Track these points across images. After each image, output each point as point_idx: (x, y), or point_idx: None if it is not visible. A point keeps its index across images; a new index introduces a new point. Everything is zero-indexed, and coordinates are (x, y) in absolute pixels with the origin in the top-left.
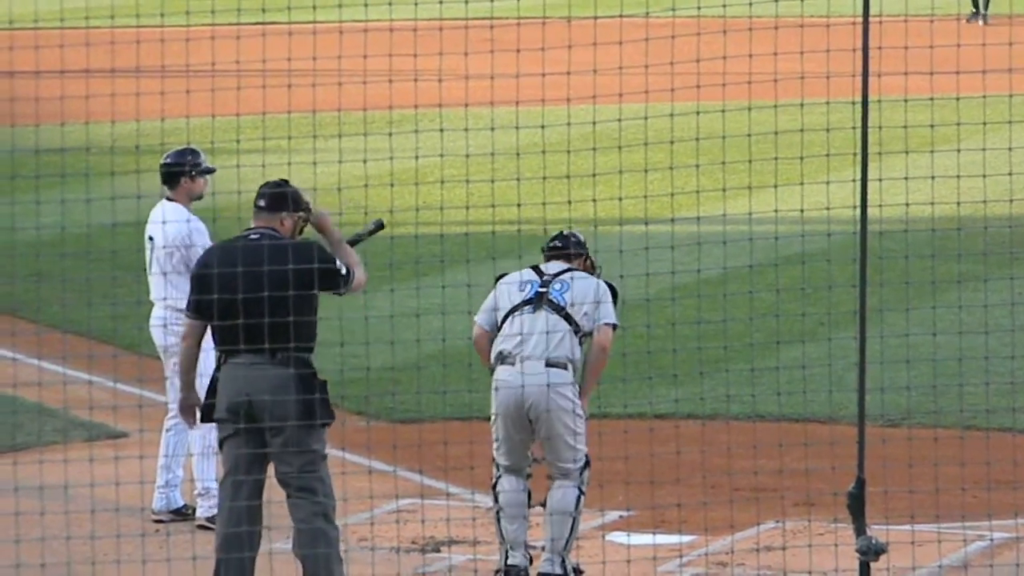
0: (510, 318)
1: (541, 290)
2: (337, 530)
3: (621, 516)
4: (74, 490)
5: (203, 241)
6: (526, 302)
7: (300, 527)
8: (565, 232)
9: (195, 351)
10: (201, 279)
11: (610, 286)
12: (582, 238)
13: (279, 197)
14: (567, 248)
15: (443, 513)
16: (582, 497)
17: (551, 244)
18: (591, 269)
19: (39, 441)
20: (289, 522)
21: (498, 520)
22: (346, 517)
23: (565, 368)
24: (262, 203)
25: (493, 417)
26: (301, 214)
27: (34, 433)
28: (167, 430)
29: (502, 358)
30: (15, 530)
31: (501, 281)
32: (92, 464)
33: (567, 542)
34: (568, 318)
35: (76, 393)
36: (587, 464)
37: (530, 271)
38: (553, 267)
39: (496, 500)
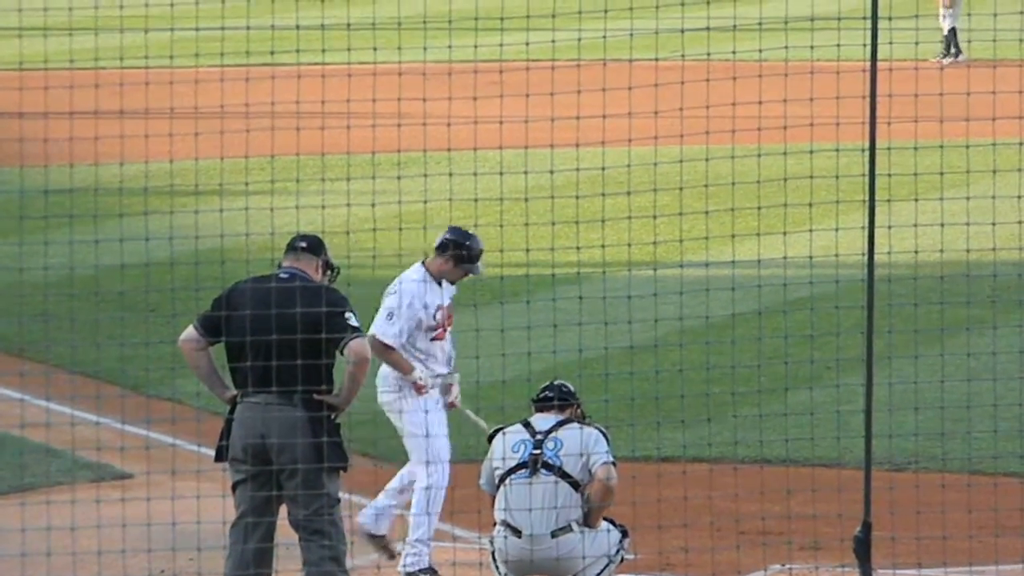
0: (507, 484)
1: (535, 452)
2: (347, 574)
3: (628, 559)
4: (80, 531)
5: (394, 301)
6: (521, 465)
7: (310, 570)
8: (554, 383)
9: (202, 359)
10: (219, 313)
11: (599, 430)
12: (571, 388)
13: (318, 242)
14: (555, 399)
15: (449, 556)
16: (621, 552)
17: (540, 396)
18: (581, 417)
19: (46, 482)
20: (297, 564)
21: (494, 559)
22: (353, 559)
23: (571, 530)
24: (303, 244)
25: (496, 562)
26: (328, 263)
27: (41, 474)
28: (426, 488)
29: (507, 528)
30: (21, 571)
31: (494, 441)
32: (99, 505)
33: None
34: (565, 475)
35: (83, 434)
36: (623, 536)
37: (521, 428)
38: (543, 422)
39: (492, 546)
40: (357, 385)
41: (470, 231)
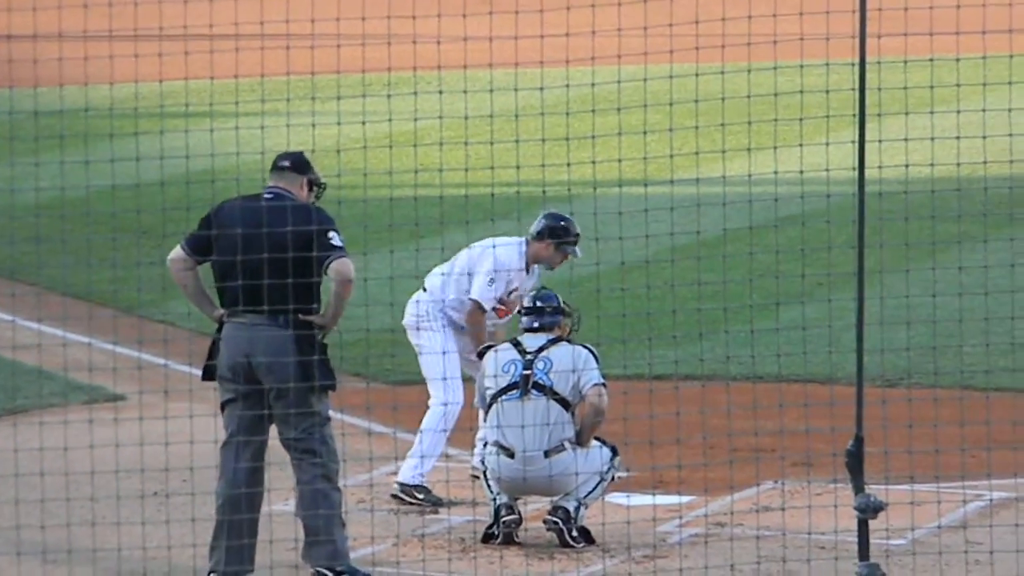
0: (499, 403)
1: (525, 372)
2: (339, 492)
3: (620, 477)
4: (73, 452)
5: (494, 266)
6: (512, 385)
7: (302, 489)
8: (540, 292)
9: (189, 278)
10: (206, 232)
11: (588, 349)
12: (559, 300)
13: (302, 160)
14: (545, 316)
15: (442, 475)
16: (612, 470)
17: (529, 310)
18: (571, 321)
19: (39, 403)
20: (290, 484)
21: (486, 479)
22: (345, 479)
23: (564, 449)
24: (286, 163)
25: (487, 478)
26: (315, 181)
27: (33, 395)
28: (443, 404)
29: (500, 448)
30: (15, 492)
31: (485, 358)
32: (91, 426)
33: (589, 494)
34: (555, 395)
35: (75, 355)
36: (613, 455)
37: (511, 347)
38: (532, 340)
39: (484, 466)
40: (343, 304)
41: (565, 214)
